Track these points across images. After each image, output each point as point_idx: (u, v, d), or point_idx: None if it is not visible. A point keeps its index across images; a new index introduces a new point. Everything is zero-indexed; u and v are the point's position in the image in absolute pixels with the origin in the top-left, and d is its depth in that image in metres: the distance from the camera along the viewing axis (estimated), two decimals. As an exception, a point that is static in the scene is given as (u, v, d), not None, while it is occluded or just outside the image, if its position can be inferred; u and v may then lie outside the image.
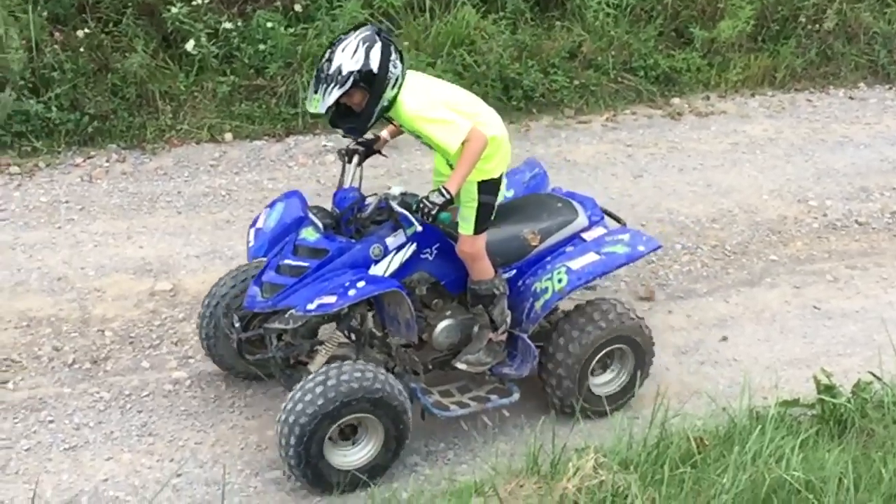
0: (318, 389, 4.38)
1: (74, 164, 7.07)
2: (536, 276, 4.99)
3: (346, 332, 4.85)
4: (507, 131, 4.90)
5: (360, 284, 4.51)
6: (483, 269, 4.85)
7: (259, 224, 4.92)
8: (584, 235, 5.16)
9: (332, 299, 4.45)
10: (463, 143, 4.51)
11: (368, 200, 4.76)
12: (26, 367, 5.30)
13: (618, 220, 5.49)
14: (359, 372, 4.45)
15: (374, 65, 4.42)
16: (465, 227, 4.78)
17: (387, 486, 4.55)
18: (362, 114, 4.54)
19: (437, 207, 4.52)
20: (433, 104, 4.56)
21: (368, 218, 4.74)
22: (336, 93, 4.43)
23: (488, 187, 4.77)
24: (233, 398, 5.18)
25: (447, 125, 4.51)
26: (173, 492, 4.57)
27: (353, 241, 4.68)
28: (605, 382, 5.15)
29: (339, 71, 4.41)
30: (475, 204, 4.74)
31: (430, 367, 5.04)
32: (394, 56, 4.49)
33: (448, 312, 5.00)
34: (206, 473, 4.70)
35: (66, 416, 5.00)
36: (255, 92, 7.82)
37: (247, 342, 4.87)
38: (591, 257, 4.96)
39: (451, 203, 4.59)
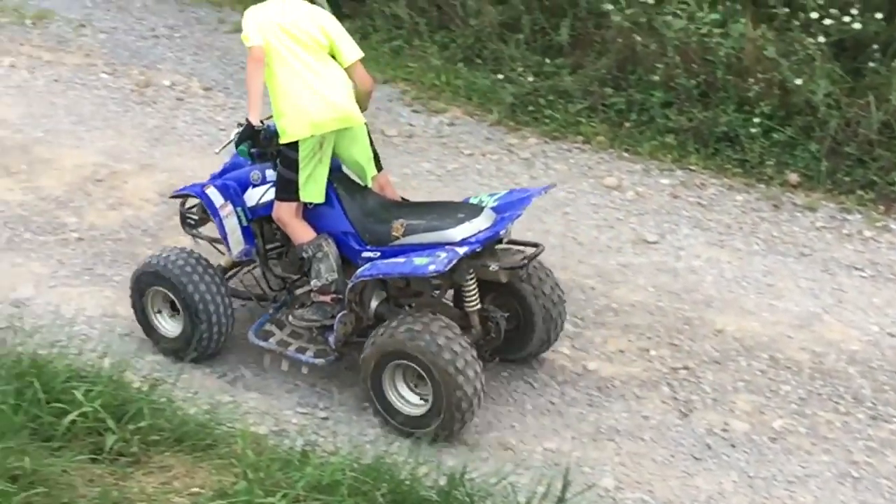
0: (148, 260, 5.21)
1: None
2: None
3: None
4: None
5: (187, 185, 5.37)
6: (293, 235, 4.95)
7: None
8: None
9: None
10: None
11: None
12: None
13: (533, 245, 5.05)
14: (172, 255, 5.12)
15: None
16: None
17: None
18: None
19: (237, 137, 4.80)
20: (250, 19, 4.74)
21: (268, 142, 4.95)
22: None
23: (284, 157, 4.80)
24: None
25: (245, 39, 4.68)
26: None
27: (250, 161, 5.13)
28: (412, 402, 4.86)
29: None
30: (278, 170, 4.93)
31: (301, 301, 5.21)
32: None
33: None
34: None
35: None
36: None
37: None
38: (399, 260, 4.75)
39: (254, 133, 4.71)
